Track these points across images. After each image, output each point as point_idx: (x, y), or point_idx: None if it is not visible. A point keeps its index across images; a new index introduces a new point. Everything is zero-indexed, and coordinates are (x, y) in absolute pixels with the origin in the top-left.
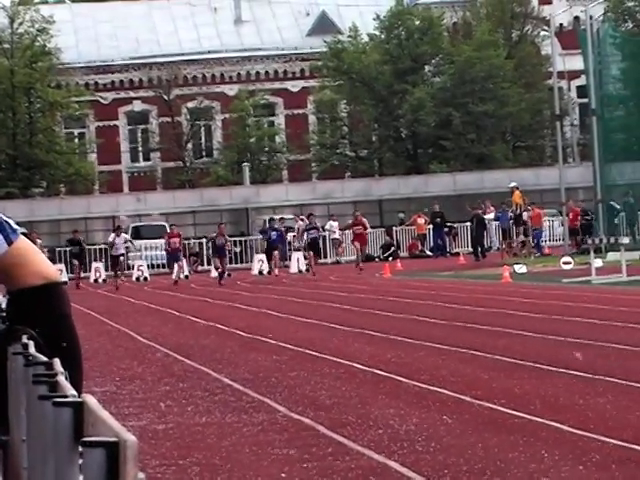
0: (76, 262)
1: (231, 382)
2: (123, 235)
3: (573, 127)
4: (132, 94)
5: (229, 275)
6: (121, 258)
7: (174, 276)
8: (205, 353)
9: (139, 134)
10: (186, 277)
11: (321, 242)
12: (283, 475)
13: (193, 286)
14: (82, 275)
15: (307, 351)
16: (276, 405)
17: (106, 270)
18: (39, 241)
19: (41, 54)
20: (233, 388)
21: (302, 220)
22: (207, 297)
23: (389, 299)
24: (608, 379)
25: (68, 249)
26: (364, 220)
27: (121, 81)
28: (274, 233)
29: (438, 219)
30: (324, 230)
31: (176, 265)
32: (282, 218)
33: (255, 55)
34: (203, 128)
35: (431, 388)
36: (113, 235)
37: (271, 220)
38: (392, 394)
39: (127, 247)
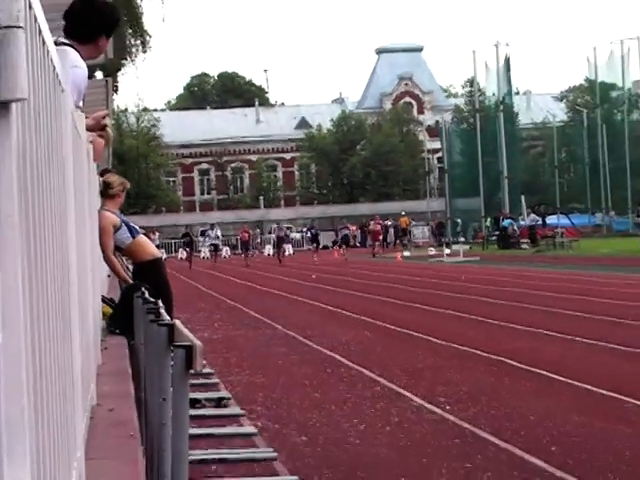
0: (188, 249)
1: (254, 313)
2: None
3: (435, 179)
4: (201, 159)
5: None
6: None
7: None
8: (239, 297)
9: (205, 181)
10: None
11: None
12: (280, 362)
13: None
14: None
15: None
16: (277, 325)
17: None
18: (153, 237)
19: (153, 138)
20: (253, 316)
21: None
22: (238, 271)
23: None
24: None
25: (182, 240)
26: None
27: (196, 152)
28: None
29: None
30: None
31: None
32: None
33: (267, 139)
34: (239, 178)
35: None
36: (210, 232)
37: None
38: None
39: (218, 237)
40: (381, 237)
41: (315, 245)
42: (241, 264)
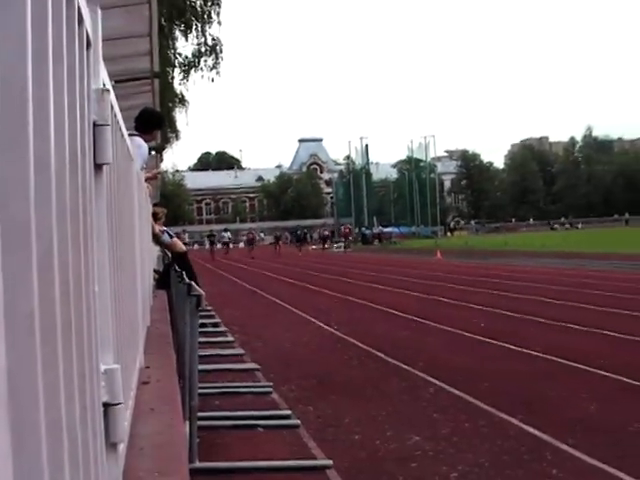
0: (211, 245)
1: (234, 278)
2: (227, 234)
3: (329, 208)
4: (206, 197)
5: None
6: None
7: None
8: (247, 278)
9: (208, 208)
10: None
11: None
12: (246, 303)
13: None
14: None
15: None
16: (245, 284)
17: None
18: (183, 236)
19: (180, 185)
20: (233, 280)
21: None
22: (246, 260)
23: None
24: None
25: (208, 237)
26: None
27: (204, 194)
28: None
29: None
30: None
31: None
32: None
33: (240, 187)
34: (226, 207)
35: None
36: (224, 233)
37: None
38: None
39: (229, 237)
40: (350, 237)
41: (299, 244)
42: (235, 257)
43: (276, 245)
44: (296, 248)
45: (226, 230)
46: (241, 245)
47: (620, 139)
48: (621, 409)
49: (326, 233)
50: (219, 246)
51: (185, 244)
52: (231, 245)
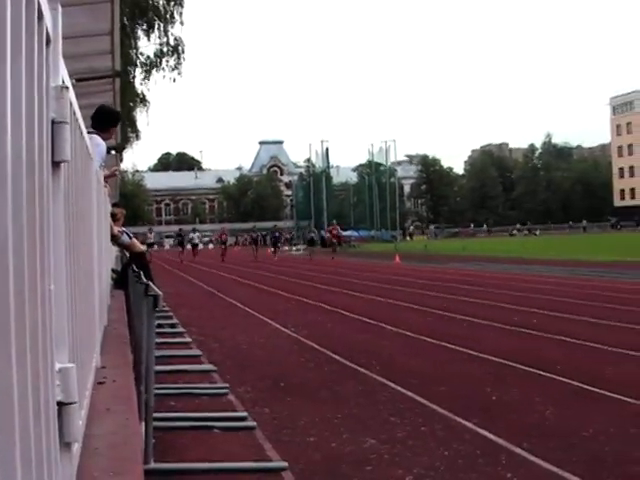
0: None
1: (193, 279)
2: (197, 234)
3: (289, 210)
4: (165, 198)
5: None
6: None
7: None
8: (204, 278)
9: (167, 209)
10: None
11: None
12: (204, 304)
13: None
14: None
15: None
16: (204, 285)
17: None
18: (150, 235)
19: (140, 185)
20: (192, 281)
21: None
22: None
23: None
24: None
25: (177, 237)
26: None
27: (163, 194)
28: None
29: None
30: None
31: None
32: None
33: (200, 188)
34: (185, 208)
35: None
36: (192, 234)
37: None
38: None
39: (199, 238)
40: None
41: (275, 247)
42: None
43: (254, 248)
44: (271, 252)
45: (195, 230)
46: (210, 247)
47: (579, 147)
48: (575, 414)
49: (276, 235)
50: (188, 246)
51: (151, 244)
52: (200, 246)
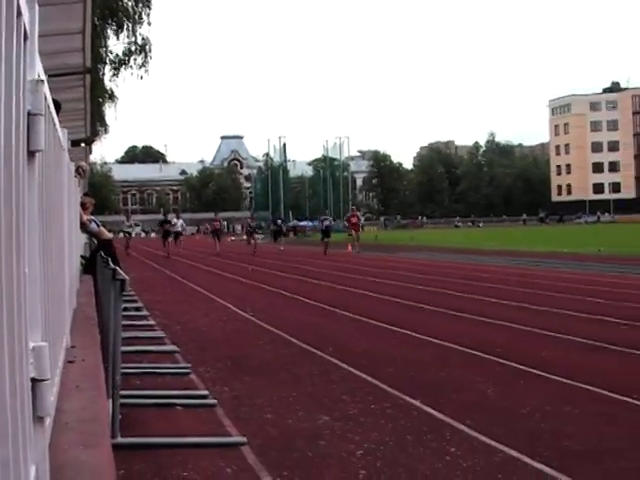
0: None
1: (157, 266)
2: (181, 221)
3: (247, 201)
4: (132, 189)
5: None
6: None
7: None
8: (166, 264)
9: (133, 198)
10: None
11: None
12: (167, 289)
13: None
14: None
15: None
16: (167, 271)
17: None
18: (128, 223)
19: (108, 176)
20: (155, 267)
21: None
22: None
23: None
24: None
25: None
26: (358, 213)
27: (130, 185)
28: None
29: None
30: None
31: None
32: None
33: (165, 180)
34: (151, 198)
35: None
36: (176, 220)
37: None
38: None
39: (183, 226)
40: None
41: (250, 236)
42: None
43: (250, 238)
44: (276, 243)
45: (178, 216)
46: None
47: (520, 145)
48: (514, 393)
49: (252, 224)
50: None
51: (127, 233)
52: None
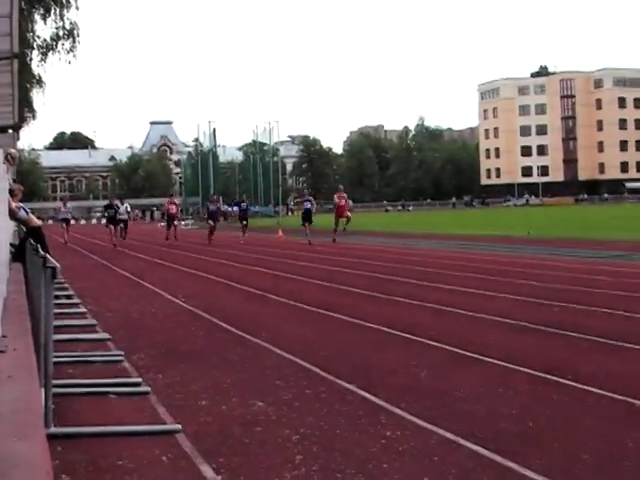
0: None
1: (86, 252)
2: (124, 206)
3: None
4: (60, 175)
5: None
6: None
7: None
8: (96, 251)
9: (62, 185)
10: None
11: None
12: (98, 276)
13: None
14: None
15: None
16: (97, 257)
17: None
18: (65, 209)
19: (36, 163)
20: (85, 254)
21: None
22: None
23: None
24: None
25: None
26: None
27: (58, 171)
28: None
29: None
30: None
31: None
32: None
33: (94, 166)
34: (80, 185)
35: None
36: (121, 206)
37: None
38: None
39: (128, 211)
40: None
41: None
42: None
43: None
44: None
45: (122, 202)
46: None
47: (449, 129)
48: (448, 375)
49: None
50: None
51: (65, 220)
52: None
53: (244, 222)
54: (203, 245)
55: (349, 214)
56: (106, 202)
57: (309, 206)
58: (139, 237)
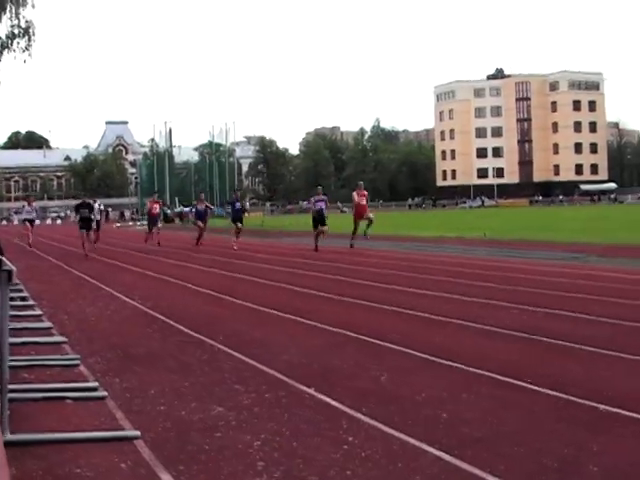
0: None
1: (42, 254)
2: (97, 205)
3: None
4: (15, 175)
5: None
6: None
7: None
8: (56, 253)
9: (17, 185)
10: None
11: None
12: (54, 278)
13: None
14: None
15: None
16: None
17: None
18: (29, 208)
19: None
20: (41, 255)
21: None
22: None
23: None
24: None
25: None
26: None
27: (12, 171)
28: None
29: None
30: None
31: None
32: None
33: (49, 166)
34: (34, 184)
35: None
36: (95, 205)
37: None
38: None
39: (101, 211)
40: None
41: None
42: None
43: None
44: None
45: (95, 200)
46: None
47: (405, 131)
48: (409, 380)
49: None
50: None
51: (29, 220)
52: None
53: (238, 224)
54: (190, 250)
55: (371, 215)
56: (79, 201)
57: (323, 206)
58: (114, 241)
